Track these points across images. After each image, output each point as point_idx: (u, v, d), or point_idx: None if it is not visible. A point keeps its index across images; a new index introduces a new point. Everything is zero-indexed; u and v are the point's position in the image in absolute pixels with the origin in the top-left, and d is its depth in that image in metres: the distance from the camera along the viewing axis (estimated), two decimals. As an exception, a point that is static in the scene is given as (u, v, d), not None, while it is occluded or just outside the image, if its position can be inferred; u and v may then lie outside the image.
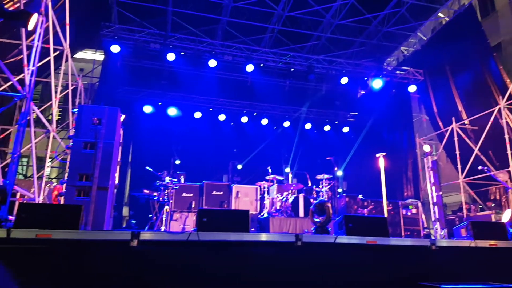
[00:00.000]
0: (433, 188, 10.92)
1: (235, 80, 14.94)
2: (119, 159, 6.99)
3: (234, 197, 10.18)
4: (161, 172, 9.38)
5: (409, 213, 11.06)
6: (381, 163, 8.76)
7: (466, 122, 12.27)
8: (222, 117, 15.66)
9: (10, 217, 5.04)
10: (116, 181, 6.71)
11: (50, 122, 9.06)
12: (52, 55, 8.65)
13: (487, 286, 4.64)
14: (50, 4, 7.73)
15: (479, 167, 8.86)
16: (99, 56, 13.19)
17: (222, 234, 4.58)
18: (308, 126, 16.58)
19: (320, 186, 10.28)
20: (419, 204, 11.36)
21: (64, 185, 5.73)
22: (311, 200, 9.65)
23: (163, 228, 8.92)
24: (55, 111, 9.20)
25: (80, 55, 15.49)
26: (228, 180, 13.87)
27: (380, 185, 8.71)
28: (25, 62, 6.69)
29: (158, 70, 14.18)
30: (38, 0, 7.26)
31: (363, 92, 16.55)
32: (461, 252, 5.44)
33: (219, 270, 4.51)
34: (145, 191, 9.15)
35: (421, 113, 16.83)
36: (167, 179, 9.09)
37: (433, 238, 10.48)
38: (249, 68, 13.25)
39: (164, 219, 9.10)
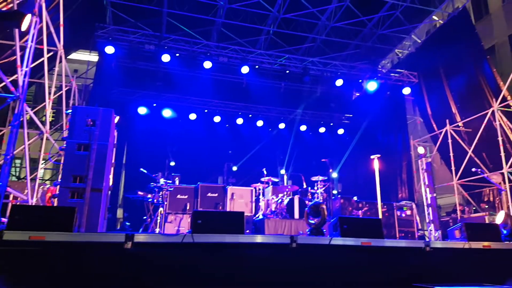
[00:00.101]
0: (427, 190, 10.99)
1: (230, 82, 14.93)
2: (113, 161, 6.96)
3: (229, 198, 10.17)
4: (156, 174, 9.34)
5: (403, 215, 11.10)
6: (376, 165, 8.78)
7: (460, 124, 12.34)
8: (217, 119, 15.64)
9: (3, 219, 5.00)
10: (110, 183, 6.68)
11: (43, 123, 9.00)
12: (46, 56, 8.60)
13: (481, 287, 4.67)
14: (44, 5, 7.68)
15: (473, 169, 8.89)
16: (93, 57, 13.13)
17: (217, 236, 4.56)
18: (303, 128, 16.60)
19: (315, 188, 10.29)
20: (414, 206, 11.41)
21: (58, 187, 5.69)
22: (306, 202, 9.65)
23: (157, 230, 8.89)
24: (49, 112, 9.14)
25: (74, 56, 15.41)
26: (223, 181, 13.84)
27: (374, 187, 8.73)
28: (19, 63, 6.65)
29: (153, 72, 14.13)
30: (31, 1, 7.21)
31: (358, 94, 16.63)
32: (455, 253, 5.46)
33: (214, 272, 4.49)
34: (140, 193, 9.11)
35: (415, 115, 16.94)
36: (162, 180, 9.05)
37: (427, 239, 10.54)
38: (244, 69, 13.25)
39: (158, 221, 9.07)
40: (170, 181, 9.48)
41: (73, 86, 11.41)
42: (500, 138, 10.51)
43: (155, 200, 9.00)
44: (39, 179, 9.07)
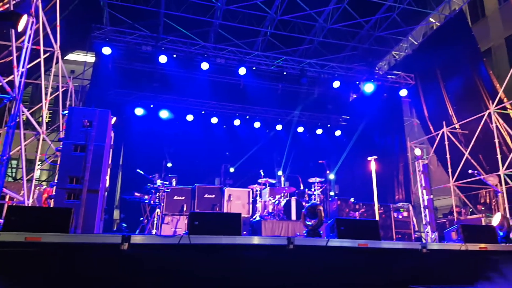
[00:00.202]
0: (424, 191, 11.01)
1: (228, 83, 14.92)
2: (109, 162, 6.93)
3: (226, 200, 10.16)
4: (153, 175, 9.30)
5: (400, 216, 11.11)
6: (373, 166, 8.80)
7: (457, 126, 12.38)
8: (214, 120, 15.63)
9: (-1, 220, 4.98)
10: (107, 184, 6.66)
11: (40, 124, 8.97)
12: (43, 56, 8.57)
13: (477, 289, 4.68)
14: (40, 6, 7.66)
15: (470, 171, 8.92)
16: (90, 58, 13.09)
17: (214, 238, 4.56)
18: (300, 129, 16.61)
19: (312, 189, 10.29)
20: (410, 208, 11.42)
21: (54, 187, 5.67)
22: (303, 203, 9.65)
23: (154, 231, 8.85)
24: (45, 113, 9.11)
25: (70, 57, 15.36)
26: (220, 183, 13.82)
27: (371, 189, 8.75)
28: (15, 63, 6.63)
29: (150, 73, 14.12)
30: (28, 1, 7.19)
31: (355, 96, 16.66)
32: (452, 255, 5.48)
33: (211, 274, 4.48)
34: (136, 194, 9.07)
35: (412, 117, 16.98)
36: (159, 182, 9.02)
37: (424, 241, 10.54)
38: (242, 71, 13.24)
39: (155, 222, 9.03)
40: (167, 182, 9.44)
41: (69, 87, 11.37)
42: (496, 140, 10.55)
43: (151, 201, 8.97)
44: (36, 180, 9.05)
